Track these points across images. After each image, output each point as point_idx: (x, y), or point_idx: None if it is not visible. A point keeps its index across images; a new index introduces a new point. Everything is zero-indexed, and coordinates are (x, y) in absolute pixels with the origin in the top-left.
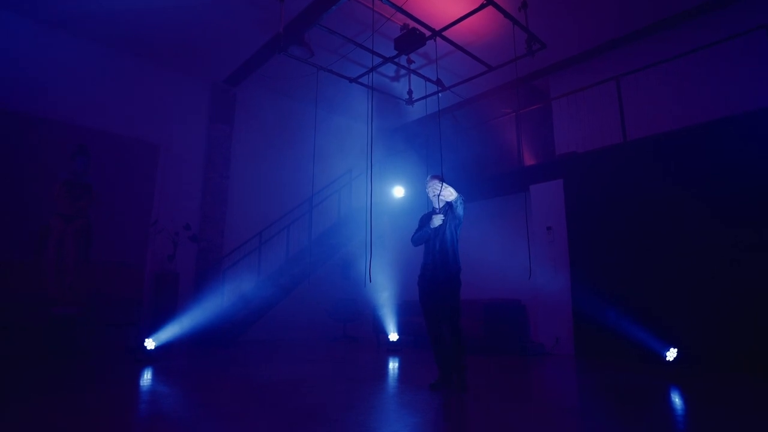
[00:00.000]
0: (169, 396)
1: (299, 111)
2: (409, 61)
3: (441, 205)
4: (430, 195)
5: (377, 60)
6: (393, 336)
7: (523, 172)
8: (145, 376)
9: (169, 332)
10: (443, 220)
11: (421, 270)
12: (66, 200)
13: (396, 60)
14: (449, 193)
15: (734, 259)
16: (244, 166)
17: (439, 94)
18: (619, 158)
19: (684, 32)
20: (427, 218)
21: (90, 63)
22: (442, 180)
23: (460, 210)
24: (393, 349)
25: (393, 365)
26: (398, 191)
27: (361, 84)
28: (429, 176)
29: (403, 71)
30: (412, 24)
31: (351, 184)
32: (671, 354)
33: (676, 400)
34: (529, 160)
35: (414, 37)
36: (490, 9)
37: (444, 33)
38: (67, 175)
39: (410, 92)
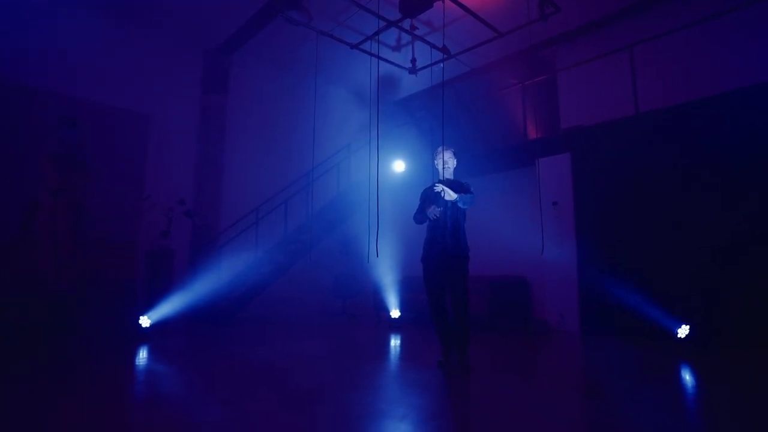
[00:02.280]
0: (166, 376)
1: (297, 82)
2: (413, 27)
3: (448, 176)
4: (439, 167)
5: (378, 27)
6: (394, 313)
7: (530, 146)
8: (141, 355)
9: (164, 310)
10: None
11: (428, 245)
12: (54, 174)
13: (400, 24)
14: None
15: (748, 235)
16: (240, 139)
17: (443, 64)
18: (629, 131)
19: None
20: (429, 193)
21: (76, 30)
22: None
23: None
24: (394, 326)
25: (396, 343)
26: (399, 166)
27: (363, 51)
28: (442, 147)
29: (404, 40)
30: None
31: (350, 159)
32: (683, 331)
33: (689, 378)
34: (533, 133)
35: None
36: None
37: None
38: (54, 148)
39: (414, 60)
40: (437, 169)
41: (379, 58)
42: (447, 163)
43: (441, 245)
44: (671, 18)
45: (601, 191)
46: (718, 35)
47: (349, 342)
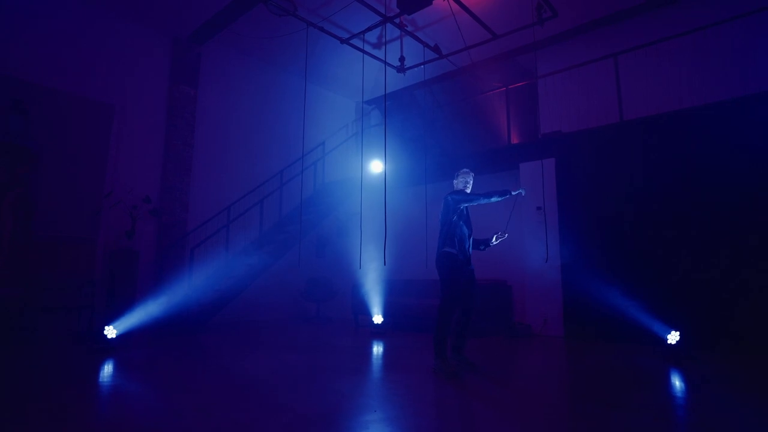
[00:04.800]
0: (140, 399)
1: (274, 76)
2: (402, 25)
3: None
4: (459, 185)
5: (363, 27)
6: (377, 318)
7: (513, 150)
8: (106, 370)
9: (128, 318)
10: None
11: (460, 255)
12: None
13: (394, 21)
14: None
15: (730, 240)
16: (211, 133)
17: (424, 65)
18: (614, 138)
19: (684, 10)
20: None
21: (29, 9)
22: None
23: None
24: (378, 332)
25: (388, 352)
26: (376, 166)
27: (353, 46)
28: (468, 169)
29: (387, 37)
30: None
31: (324, 158)
32: (672, 337)
33: (675, 382)
34: (516, 137)
35: None
36: None
37: None
38: (0, 136)
39: (402, 59)
40: (458, 186)
41: (383, 62)
42: (468, 184)
43: (466, 257)
44: (656, 27)
45: (586, 195)
46: (704, 46)
47: (338, 351)
